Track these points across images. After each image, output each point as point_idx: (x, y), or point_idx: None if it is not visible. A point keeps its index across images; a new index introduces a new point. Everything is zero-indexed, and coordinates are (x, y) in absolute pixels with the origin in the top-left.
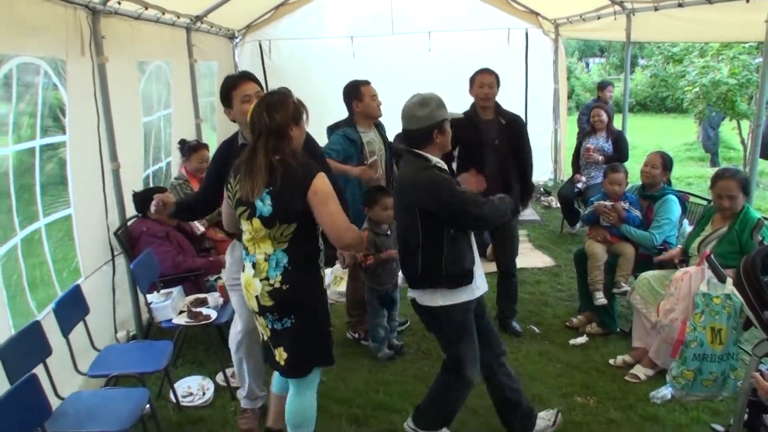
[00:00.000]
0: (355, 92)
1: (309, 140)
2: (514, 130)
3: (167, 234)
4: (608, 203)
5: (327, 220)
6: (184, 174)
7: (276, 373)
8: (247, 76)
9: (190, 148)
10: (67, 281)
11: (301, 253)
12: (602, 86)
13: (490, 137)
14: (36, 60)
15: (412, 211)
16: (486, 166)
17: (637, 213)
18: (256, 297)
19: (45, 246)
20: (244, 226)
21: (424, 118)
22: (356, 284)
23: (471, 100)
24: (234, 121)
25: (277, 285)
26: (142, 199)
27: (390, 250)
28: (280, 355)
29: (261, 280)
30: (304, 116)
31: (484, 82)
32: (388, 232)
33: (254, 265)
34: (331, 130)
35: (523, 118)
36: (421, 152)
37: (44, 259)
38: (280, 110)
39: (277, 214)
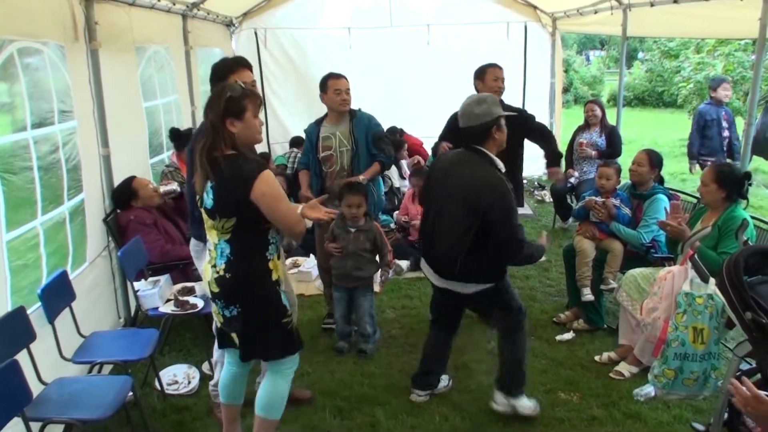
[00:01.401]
0: (322, 84)
1: None
2: (518, 120)
3: (155, 222)
4: (599, 199)
5: (279, 217)
6: (175, 162)
7: (223, 380)
8: (244, 64)
9: (185, 137)
10: (77, 267)
11: (243, 244)
12: (715, 84)
13: None
14: (38, 44)
15: (476, 213)
16: None
17: (626, 211)
18: (209, 282)
19: (68, 229)
20: (203, 215)
21: (482, 115)
22: None
23: (469, 93)
24: None
25: (221, 273)
26: (120, 194)
27: (331, 245)
28: (232, 340)
29: (211, 267)
30: (250, 106)
31: (498, 75)
32: (351, 230)
33: (209, 252)
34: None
35: None
36: (482, 149)
37: (66, 242)
38: (213, 107)
39: (217, 207)
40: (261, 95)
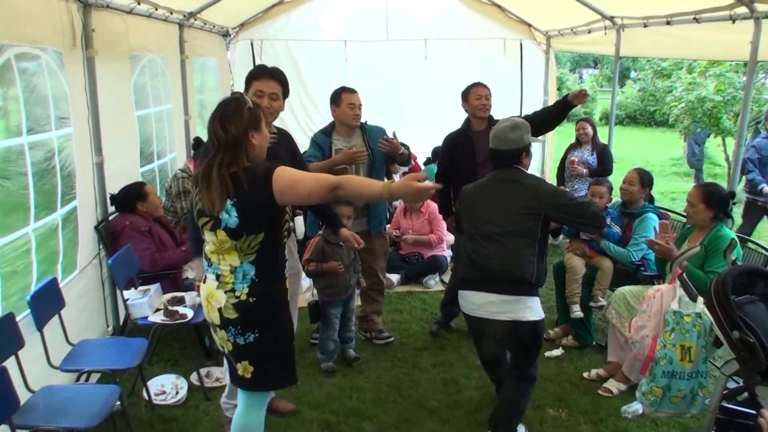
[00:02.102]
0: (335, 98)
1: (289, 140)
2: None
3: (150, 229)
4: None
5: (313, 195)
6: (190, 168)
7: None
8: (269, 73)
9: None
10: (67, 274)
11: (268, 263)
12: None
13: (485, 148)
14: (36, 50)
15: (536, 217)
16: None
17: (617, 229)
18: (219, 309)
19: (60, 236)
20: (207, 236)
21: (516, 140)
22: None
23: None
24: None
25: (244, 297)
26: (123, 197)
27: (333, 262)
28: (245, 368)
29: (226, 292)
30: (263, 116)
31: (481, 93)
32: (341, 243)
33: (218, 277)
34: (314, 135)
35: None
36: (515, 166)
37: (57, 249)
38: (234, 120)
39: (244, 224)
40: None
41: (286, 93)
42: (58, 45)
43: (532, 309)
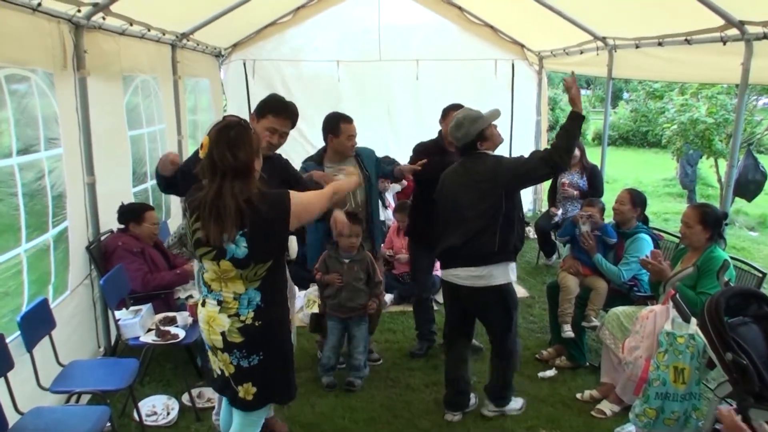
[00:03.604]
0: (334, 127)
1: (282, 169)
2: None
3: (142, 250)
4: (585, 212)
5: (318, 210)
6: None
7: (224, 413)
8: (290, 112)
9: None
10: (58, 295)
11: (273, 288)
12: None
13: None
14: (26, 72)
15: (497, 193)
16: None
17: (614, 235)
18: (222, 333)
19: (51, 256)
20: (207, 265)
21: (464, 136)
22: None
23: None
24: None
25: (249, 321)
26: (126, 211)
27: (334, 275)
28: (247, 390)
29: (230, 316)
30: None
31: None
32: (345, 260)
33: (220, 303)
34: (304, 162)
35: (509, 149)
36: (480, 150)
37: (49, 269)
38: (243, 147)
39: (253, 255)
40: None
41: (293, 127)
42: (48, 66)
43: (494, 276)
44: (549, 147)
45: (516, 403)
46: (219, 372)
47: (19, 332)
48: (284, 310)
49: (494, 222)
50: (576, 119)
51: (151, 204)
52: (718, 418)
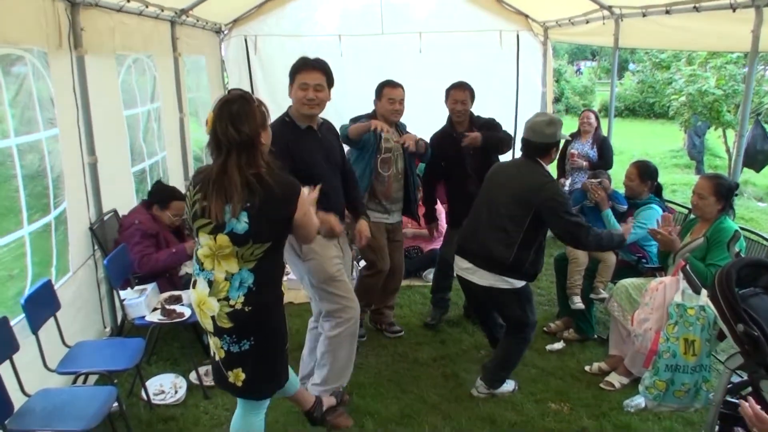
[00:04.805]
0: (378, 91)
1: (335, 132)
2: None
3: (157, 234)
4: (595, 180)
5: (308, 231)
6: None
7: None
8: (311, 64)
9: None
10: (61, 276)
11: (267, 272)
12: None
13: (468, 147)
14: (20, 51)
15: (528, 210)
16: (467, 175)
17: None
18: (212, 317)
19: (53, 239)
20: (203, 239)
21: (549, 136)
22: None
23: None
24: None
25: (239, 306)
26: (157, 191)
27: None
28: (237, 376)
29: (219, 300)
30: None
31: (458, 98)
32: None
33: (210, 283)
34: (354, 120)
35: (514, 121)
36: (539, 160)
37: (51, 251)
38: (247, 121)
39: (253, 232)
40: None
41: (330, 82)
42: (42, 45)
43: (506, 281)
44: (596, 233)
45: (508, 386)
46: (213, 355)
47: (23, 315)
48: (277, 295)
49: (515, 233)
50: (621, 242)
51: (149, 182)
52: (742, 414)
